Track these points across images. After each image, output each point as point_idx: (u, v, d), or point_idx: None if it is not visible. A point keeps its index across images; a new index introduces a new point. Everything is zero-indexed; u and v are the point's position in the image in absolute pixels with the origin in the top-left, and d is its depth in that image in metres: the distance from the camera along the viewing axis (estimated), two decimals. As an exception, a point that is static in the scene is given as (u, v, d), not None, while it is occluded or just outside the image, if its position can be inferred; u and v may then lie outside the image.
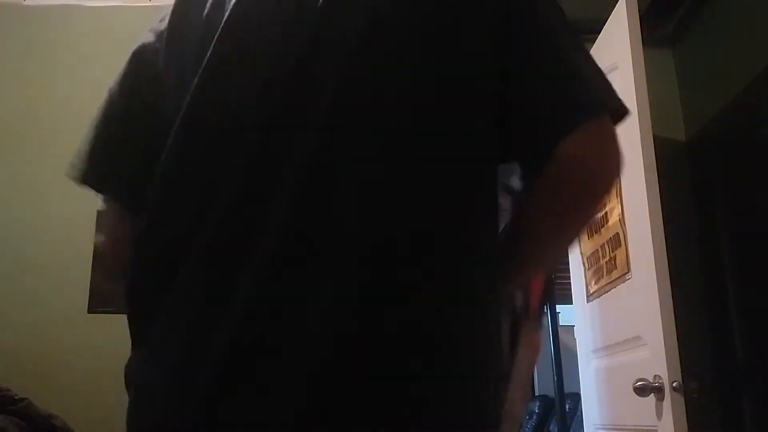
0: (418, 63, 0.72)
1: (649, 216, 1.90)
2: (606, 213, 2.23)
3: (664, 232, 1.90)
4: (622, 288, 2.10)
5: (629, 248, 2.04)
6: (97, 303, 2.46)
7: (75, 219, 2.54)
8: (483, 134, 0.72)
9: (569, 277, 2.63)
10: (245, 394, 0.62)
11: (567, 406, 4.51)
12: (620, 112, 0.73)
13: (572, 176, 0.71)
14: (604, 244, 2.25)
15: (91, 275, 2.48)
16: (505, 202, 0.77)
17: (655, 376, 1.82)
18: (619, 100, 0.74)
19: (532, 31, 0.75)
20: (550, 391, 6.36)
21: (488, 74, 0.72)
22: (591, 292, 2.39)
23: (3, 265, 2.51)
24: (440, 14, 0.74)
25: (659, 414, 1.81)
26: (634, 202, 2.01)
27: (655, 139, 1.99)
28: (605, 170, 0.73)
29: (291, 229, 0.66)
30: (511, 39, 0.73)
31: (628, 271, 2.04)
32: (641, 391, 1.82)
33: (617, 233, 2.13)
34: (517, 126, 0.72)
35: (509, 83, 0.72)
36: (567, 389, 4.05)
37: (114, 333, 2.42)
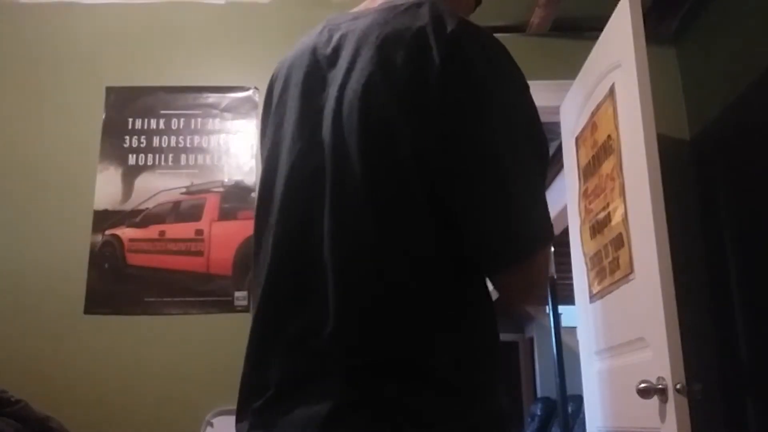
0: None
1: (653, 216, 1.88)
2: (609, 213, 2.20)
3: (668, 232, 1.87)
4: (625, 289, 2.08)
5: (632, 249, 2.02)
6: (94, 304, 2.44)
7: (72, 220, 2.52)
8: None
9: (572, 278, 2.60)
10: None
11: (569, 409, 4.50)
12: (548, 240, 0.86)
13: (507, 294, 0.88)
14: (607, 244, 2.22)
15: (88, 276, 2.46)
16: None
17: (658, 378, 1.79)
18: (547, 234, 0.85)
19: (476, 155, 0.81)
20: (553, 393, 6.35)
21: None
22: (594, 293, 2.37)
23: (-1, 265, 2.49)
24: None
25: (663, 416, 1.78)
26: (637, 201, 1.99)
27: (659, 137, 1.96)
28: (529, 298, 0.90)
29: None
30: (453, 149, 0.80)
31: (632, 271, 2.02)
32: (644, 393, 1.80)
33: (620, 233, 2.10)
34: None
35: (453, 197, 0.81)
36: (569, 391, 4.03)
37: (110, 334, 2.42)
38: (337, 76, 0.87)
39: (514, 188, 0.81)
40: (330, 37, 0.93)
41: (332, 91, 0.86)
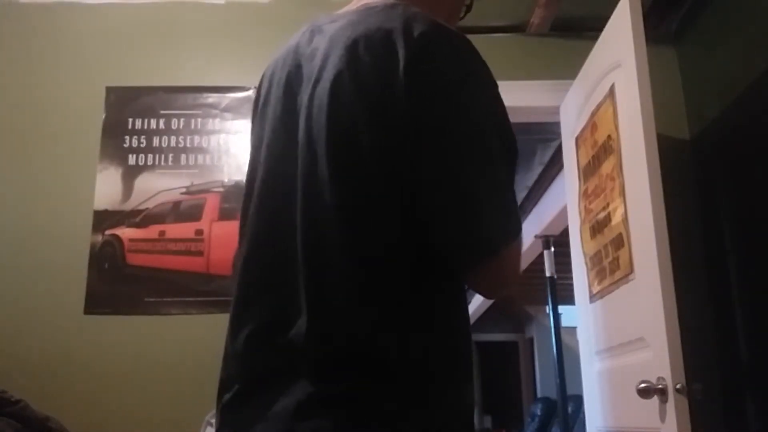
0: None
1: (653, 216, 1.88)
2: (609, 213, 2.20)
3: (668, 232, 1.87)
4: (625, 289, 2.08)
5: (632, 248, 2.02)
6: (94, 304, 2.43)
7: (72, 220, 2.52)
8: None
9: (572, 278, 2.60)
10: None
11: (569, 409, 4.50)
12: (515, 236, 0.85)
13: (479, 291, 0.88)
14: (607, 244, 2.22)
15: (88, 276, 2.46)
16: None
17: (658, 378, 1.79)
18: (512, 230, 0.84)
19: (439, 154, 0.81)
20: (553, 393, 6.35)
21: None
22: (594, 293, 2.37)
23: (-1, 265, 2.49)
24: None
25: (663, 416, 1.78)
26: (637, 201, 1.99)
27: (659, 137, 1.96)
28: (496, 292, 0.90)
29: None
30: (418, 152, 0.80)
31: (632, 271, 2.02)
32: (644, 393, 1.80)
33: (620, 233, 2.10)
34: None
35: (417, 197, 0.81)
36: (569, 391, 4.04)
37: (110, 334, 2.42)
38: (312, 75, 0.89)
39: (479, 187, 0.81)
40: (311, 38, 0.95)
41: (306, 90, 0.89)
